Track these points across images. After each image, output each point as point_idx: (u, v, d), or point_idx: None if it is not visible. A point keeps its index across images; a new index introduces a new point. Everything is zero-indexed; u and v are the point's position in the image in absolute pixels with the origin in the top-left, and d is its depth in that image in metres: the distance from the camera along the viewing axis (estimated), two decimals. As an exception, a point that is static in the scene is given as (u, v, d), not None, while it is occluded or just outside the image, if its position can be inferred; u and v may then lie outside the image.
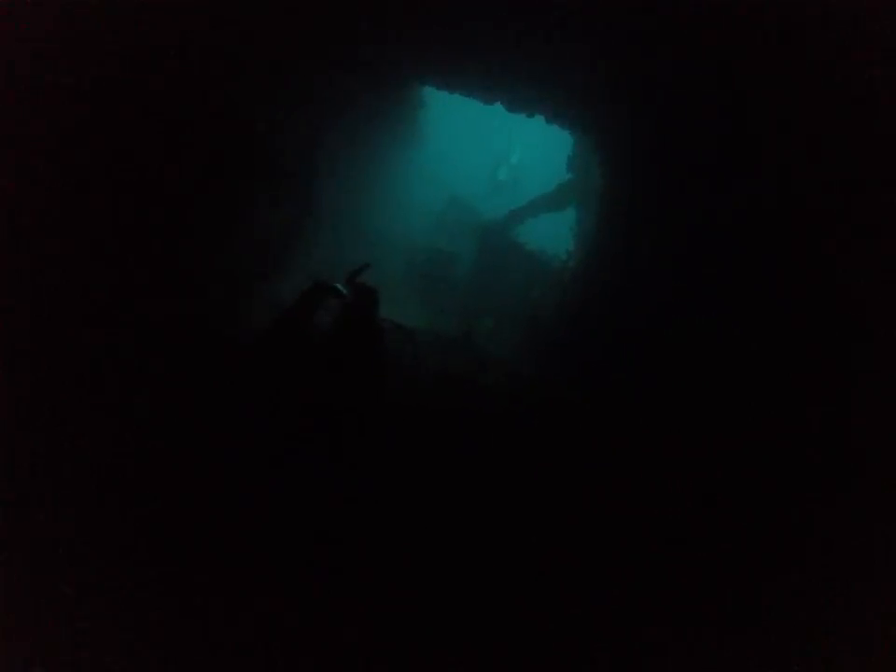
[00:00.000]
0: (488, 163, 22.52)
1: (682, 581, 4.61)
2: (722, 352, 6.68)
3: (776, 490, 4.91)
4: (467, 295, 11.89)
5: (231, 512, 4.45)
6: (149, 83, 5.41)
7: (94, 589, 3.80)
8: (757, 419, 5.57)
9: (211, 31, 5.89)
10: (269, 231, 8.60)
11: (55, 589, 3.73)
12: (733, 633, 4.32)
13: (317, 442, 5.29)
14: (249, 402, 5.43)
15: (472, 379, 8.19)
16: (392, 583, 4.34)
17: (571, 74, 7.95)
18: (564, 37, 7.11)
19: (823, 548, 4.47)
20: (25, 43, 4.53)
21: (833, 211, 5.10)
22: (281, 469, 4.94)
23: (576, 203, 12.18)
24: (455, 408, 7.11)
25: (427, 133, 14.28)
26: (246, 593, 4.02)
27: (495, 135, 23.10)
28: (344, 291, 6.40)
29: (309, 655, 3.87)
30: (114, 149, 5.19)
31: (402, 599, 4.25)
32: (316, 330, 6.19)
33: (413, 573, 4.46)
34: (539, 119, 9.74)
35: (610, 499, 5.42)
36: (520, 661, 4.08)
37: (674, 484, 5.54)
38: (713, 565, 4.68)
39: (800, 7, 4.79)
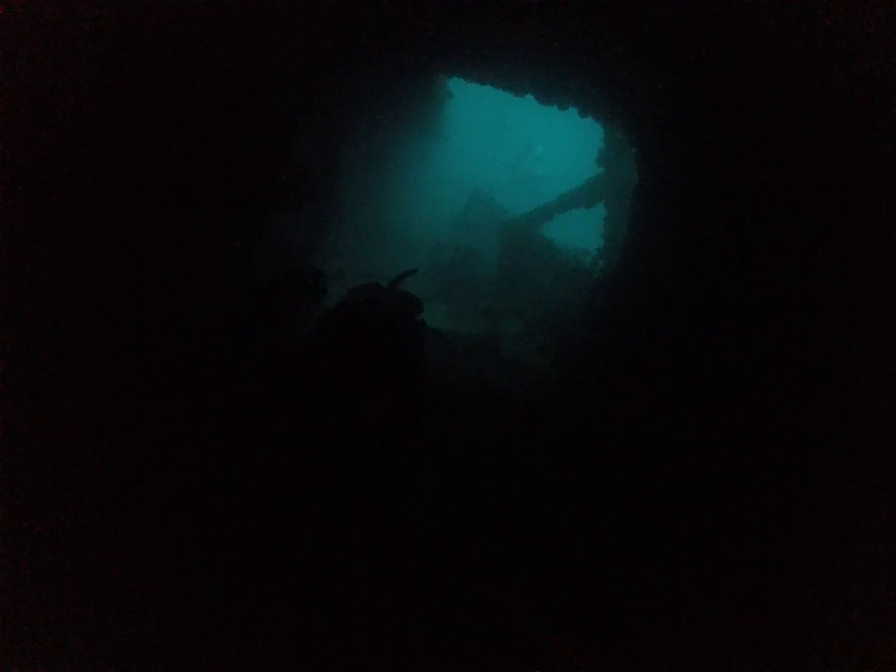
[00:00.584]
0: (512, 155, 22.06)
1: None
2: (763, 358, 6.47)
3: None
4: (492, 295, 11.53)
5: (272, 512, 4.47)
6: (165, 82, 5.20)
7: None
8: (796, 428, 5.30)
9: (236, 27, 5.68)
10: (292, 232, 8.38)
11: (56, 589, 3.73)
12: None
13: (361, 447, 5.26)
14: (295, 405, 5.45)
15: (501, 386, 7.88)
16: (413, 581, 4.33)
17: (608, 67, 7.62)
18: (600, 29, 6.82)
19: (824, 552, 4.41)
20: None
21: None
22: (326, 467, 4.99)
23: (606, 199, 11.77)
24: (484, 413, 6.89)
25: (451, 126, 13.92)
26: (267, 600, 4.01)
27: (519, 126, 22.63)
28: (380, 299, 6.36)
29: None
30: (133, 154, 5.01)
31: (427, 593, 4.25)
32: (359, 336, 6.12)
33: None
34: (569, 112, 9.40)
35: (634, 505, 5.38)
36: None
37: (704, 497, 5.42)
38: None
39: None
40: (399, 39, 7.70)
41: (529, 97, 8.95)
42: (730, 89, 6.32)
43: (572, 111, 9.29)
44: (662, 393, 7.41)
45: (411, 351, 6.25)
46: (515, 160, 22.30)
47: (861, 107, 4.73)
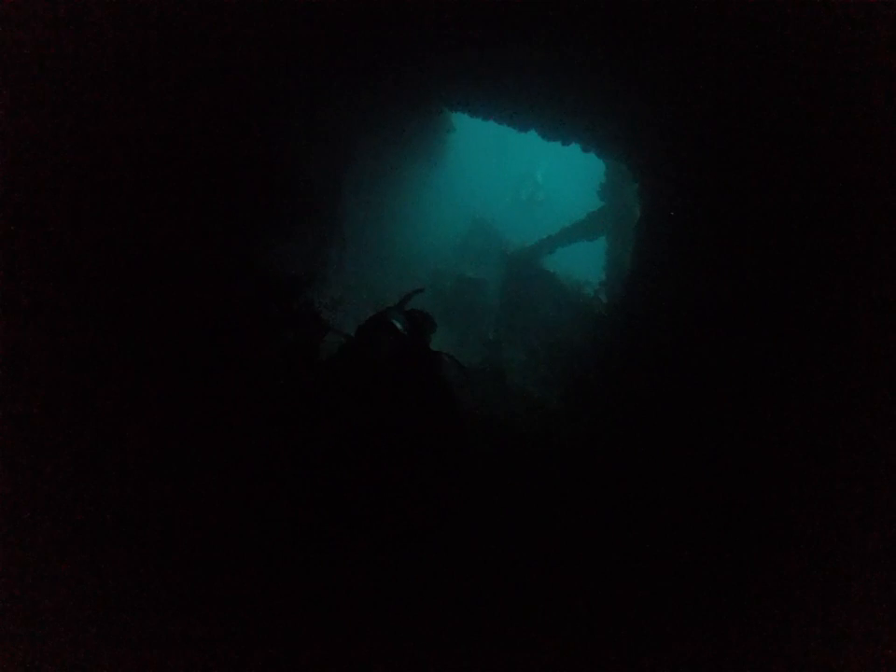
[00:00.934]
0: (513, 183, 22.16)
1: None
2: (773, 398, 6.42)
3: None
4: (496, 326, 11.49)
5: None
6: (173, 105, 5.19)
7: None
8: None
9: (240, 53, 5.68)
10: (293, 258, 8.34)
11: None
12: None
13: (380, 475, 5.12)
14: (311, 436, 5.31)
15: (507, 418, 7.80)
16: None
17: (613, 103, 7.65)
18: (604, 68, 6.85)
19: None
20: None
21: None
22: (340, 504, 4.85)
23: (607, 232, 11.78)
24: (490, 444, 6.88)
25: (453, 155, 13.98)
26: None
27: (520, 153, 22.75)
28: (399, 326, 6.15)
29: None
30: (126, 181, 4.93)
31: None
32: (372, 362, 5.96)
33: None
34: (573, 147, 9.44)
35: (641, 543, 5.25)
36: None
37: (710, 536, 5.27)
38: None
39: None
40: (405, 74, 7.75)
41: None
42: (738, 126, 6.34)
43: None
44: (667, 426, 7.34)
45: (422, 372, 6.07)
46: (516, 186, 22.43)
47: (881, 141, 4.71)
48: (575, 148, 9.65)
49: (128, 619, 3.76)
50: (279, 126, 7.09)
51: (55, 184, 4.47)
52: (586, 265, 13.08)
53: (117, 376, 4.71)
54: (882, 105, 4.51)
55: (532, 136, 9.25)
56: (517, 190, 22.11)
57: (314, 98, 7.57)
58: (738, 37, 5.36)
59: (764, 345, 6.10)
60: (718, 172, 6.98)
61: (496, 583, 4.68)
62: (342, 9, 6.14)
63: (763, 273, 6.36)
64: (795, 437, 5.11)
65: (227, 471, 4.84)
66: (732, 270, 7.13)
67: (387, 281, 11.34)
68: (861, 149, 4.76)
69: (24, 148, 4.32)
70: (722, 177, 6.93)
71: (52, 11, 4.19)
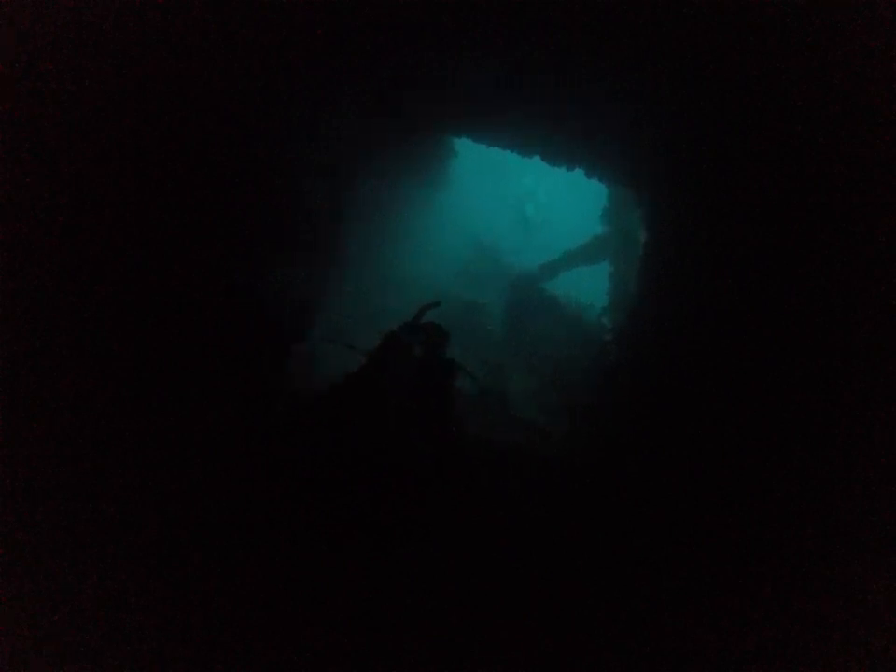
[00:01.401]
0: (514, 202, 22.14)
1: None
2: (776, 420, 6.33)
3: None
4: (498, 350, 11.38)
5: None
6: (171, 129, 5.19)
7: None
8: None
9: (241, 74, 5.74)
10: (294, 280, 8.28)
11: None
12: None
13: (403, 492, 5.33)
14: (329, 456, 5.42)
15: (509, 444, 7.66)
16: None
17: (615, 129, 7.64)
18: (607, 94, 6.84)
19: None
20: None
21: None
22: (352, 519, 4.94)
23: (610, 256, 11.74)
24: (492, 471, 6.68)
25: (455, 178, 13.97)
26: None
27: (522, 175, 22.78)
28: (416, 342, 6.52)
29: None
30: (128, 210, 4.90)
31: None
32: (391, 376, 6.27)
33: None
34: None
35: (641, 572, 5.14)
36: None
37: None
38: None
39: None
40: (408, 100, 7.74)
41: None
42: (742, 151, 6.29)
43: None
44: (673, 451, 7.23)
45: (441, 385, 6.35)
46: (517, 206, 22.42)
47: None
48: (578, 172, 9.67)
49: (128, 619, 3.80)
50: (280, 149, 7.06)
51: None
52: (588, 290, 13.04)
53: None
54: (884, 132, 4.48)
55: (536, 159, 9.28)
56: (520, 210, 22.09)
57: (315, 122, 7.56)
58: (740, 64, 5.36)
59: (769, 369, 6.03)
60: (722, 197, 6.95)
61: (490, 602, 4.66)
62: (345, 34, 6.15)
63: (768, 297, 6.34)
64: (797, 460, 5.03)
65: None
66: (736, 294, 7.09)
67: (388, 304, 11.28)
68: (865, 166, 4.75)
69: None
70: (727, 203, 6.90)
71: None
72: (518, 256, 14.97)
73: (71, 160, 4.48)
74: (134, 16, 4.50)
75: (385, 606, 4.33)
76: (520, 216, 22.23)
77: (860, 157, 4.73)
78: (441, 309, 11.94)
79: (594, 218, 11.86)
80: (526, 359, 10.85)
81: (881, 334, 4.58)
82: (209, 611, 3.94)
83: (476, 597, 4.58)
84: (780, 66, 5.07)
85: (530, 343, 11.20)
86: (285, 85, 6.35)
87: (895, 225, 4.51)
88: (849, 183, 4.93)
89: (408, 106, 7.68)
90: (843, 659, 3.94)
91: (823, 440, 4.67)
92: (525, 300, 11.84)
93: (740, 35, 5.01)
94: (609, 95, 6.89)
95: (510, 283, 12.37)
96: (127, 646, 3.71)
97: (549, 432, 8.52)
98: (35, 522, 3.93)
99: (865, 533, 4.14)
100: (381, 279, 11.47)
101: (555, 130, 8.06)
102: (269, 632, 3.95)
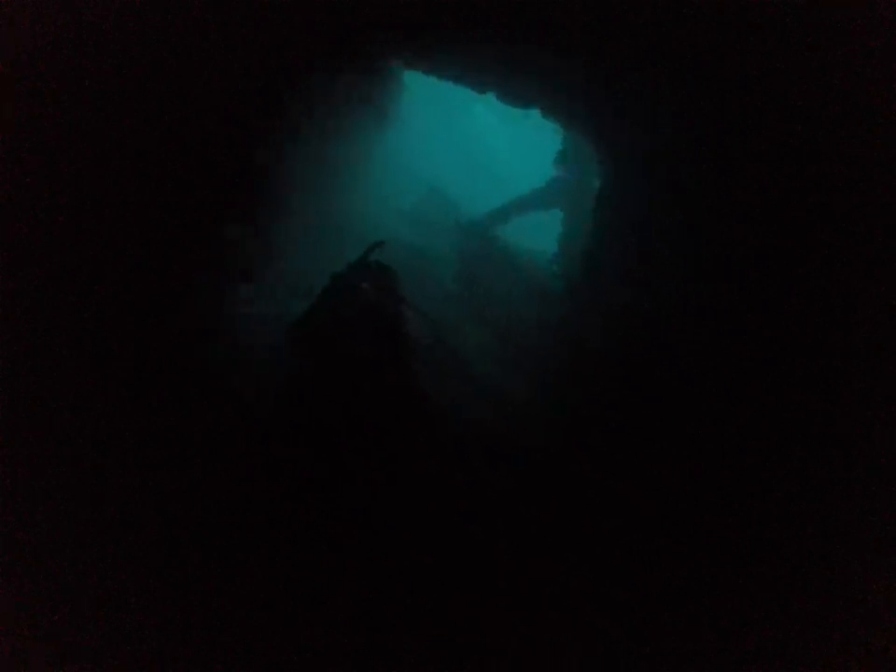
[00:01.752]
0: (471, 150, 21.43)
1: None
2: (731, 367, 6.32)
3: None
4: (448, 300, 11.03)
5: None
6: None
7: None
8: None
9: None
10: (240, 232, 7.75)
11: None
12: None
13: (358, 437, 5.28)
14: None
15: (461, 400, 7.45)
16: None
17: (573, 67, 7.24)
18: (566, 28, 6.45)
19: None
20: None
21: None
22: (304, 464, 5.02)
23: (563, 202, 11.46)
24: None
25: (405, 120, 13.28)
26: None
27: (475, 115, 21.98)
28: (363, 283, 6.34)
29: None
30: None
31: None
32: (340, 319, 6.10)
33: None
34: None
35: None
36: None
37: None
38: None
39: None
40: (354, 25, 7.11)
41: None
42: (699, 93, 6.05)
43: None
44: (633, 408, 7.19)
45: (398, 330, 6.25)
46: (469, 148, 21.70)
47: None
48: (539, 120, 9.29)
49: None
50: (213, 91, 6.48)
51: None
52: (541, 236, 12.79)
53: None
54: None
55: (490, 99, 8.81)
56: (473, 152, 21.40)
57: (250, 55, 6.90)
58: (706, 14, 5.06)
59: (722, 316, 6.08)
60: (682, 146, 6.73)
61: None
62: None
63: (736, 245, 6.15)
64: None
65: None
66: (692, 244, 6.97)
67: (336, 253, 10.70)
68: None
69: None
70: (686, 151, 6.71)
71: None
72: (469, 200, 14.51)
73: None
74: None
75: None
76: (472, 158, 21.61)
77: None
78: (389, 256, 11.50)
79: (548, 163, 11.50)
80: (479, 312, 10.59)
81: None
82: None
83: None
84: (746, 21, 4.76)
85: (483, 295, 10.91)
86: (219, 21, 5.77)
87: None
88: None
89: (354, 32, 7.05)
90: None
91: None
92: (477, 249, 11.49)
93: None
94: (569, 30, 6.49)
95: (460, 229, 11.97)
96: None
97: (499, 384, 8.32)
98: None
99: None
100: (326, 224, 10.90)
101: (511, 64, 7.60)
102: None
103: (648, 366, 7.25)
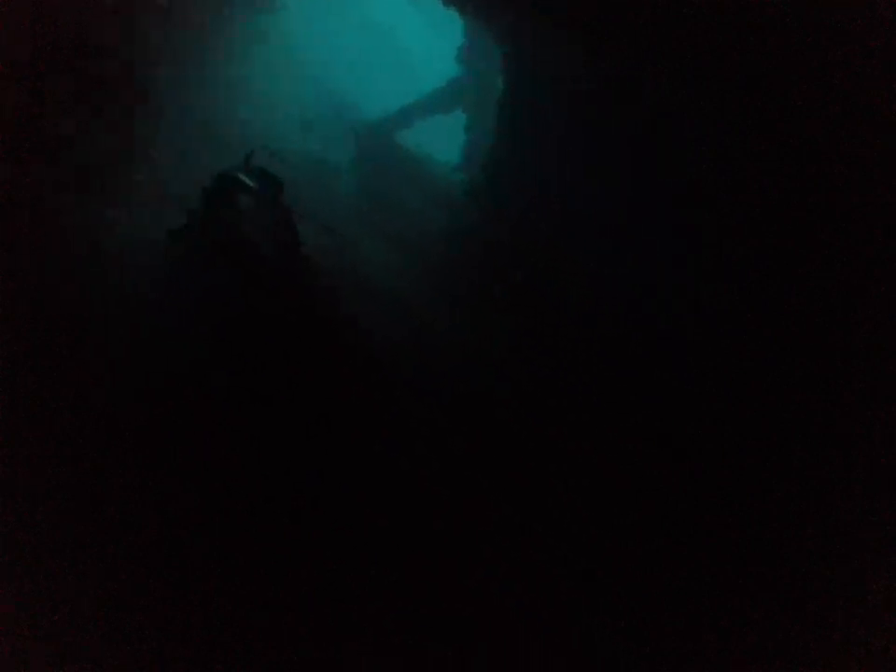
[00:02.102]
0: (368, 44, 19.63)
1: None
2: (634, 280, 6.52)
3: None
4: (346, 211, 10.31)
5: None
6: None
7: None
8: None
9: None
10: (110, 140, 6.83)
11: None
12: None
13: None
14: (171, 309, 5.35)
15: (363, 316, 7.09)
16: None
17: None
18: None
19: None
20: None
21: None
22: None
23: (465, 104, 10.75)
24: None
25: (292, 7, 11.84)
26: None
27: (375, 10, 20.04)
28: (250, 182, 6.07)
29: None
30: None
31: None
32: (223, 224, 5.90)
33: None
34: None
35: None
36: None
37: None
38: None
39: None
40: None
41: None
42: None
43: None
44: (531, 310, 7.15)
45: (277, 231, 6.01)
46: (366, 41, 19.91)
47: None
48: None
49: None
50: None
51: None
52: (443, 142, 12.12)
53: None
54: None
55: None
56: (370, 46, 19.70)
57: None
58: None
59: (650, 239, 6.32)
60: (594, 38, 6.30)
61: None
62: None
63: (642, 152, 6.32)
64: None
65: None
66: (600, 150, 6.84)
67: (216, 162, 9.61)
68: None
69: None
70: (602, 56, 6.29)
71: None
72: (368, 101, 13.43)
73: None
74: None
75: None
76: (375, 50, 19.88)
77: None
78: (282, 166, 10.55)
79: (450, 59, 10.66)
80: (380, 226, 9.97)
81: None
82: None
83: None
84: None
85: (384, 207, 10.26)
86: None
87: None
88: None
89: None
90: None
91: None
92: (375, 155, 10.71)
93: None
94: None
95: (358, 135, 11.08)
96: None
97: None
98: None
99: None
100: (207, 131, 9.73)
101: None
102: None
103: (559, 278, 7.16)
